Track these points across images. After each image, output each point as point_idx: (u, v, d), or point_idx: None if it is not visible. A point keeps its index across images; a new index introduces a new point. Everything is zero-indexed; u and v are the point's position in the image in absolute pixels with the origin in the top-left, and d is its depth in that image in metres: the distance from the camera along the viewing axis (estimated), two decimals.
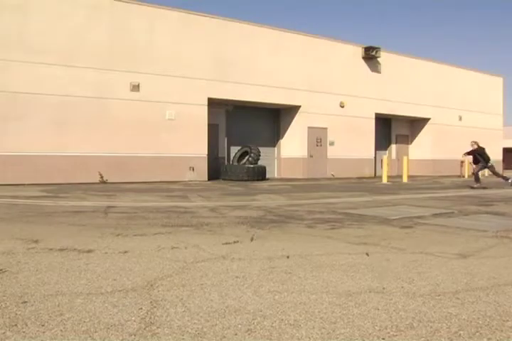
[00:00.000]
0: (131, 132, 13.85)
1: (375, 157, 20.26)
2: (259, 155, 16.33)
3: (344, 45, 18.84)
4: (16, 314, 2.28)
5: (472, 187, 13.09)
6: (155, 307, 2.42)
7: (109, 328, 2.11)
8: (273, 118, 18.82)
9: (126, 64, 13.86)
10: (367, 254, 3.78)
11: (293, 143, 18.07)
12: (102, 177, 13.34)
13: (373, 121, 19.75)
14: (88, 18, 13.33)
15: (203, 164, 15.20)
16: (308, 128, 17.86)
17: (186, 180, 14.76)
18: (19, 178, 12.19)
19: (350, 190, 11.63)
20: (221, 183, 14.33)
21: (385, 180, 15.63)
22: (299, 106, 17.64)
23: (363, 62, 19.26)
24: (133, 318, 2.24)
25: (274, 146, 18.84)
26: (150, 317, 2.26)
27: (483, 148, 13.84)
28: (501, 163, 25.60)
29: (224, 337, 2.03)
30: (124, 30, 13.88)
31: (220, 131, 17.04)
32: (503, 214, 6.68)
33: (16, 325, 2.14)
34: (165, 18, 14.59)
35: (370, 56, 19.00)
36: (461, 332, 2.11)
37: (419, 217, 6.22)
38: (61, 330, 2.08)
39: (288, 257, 3.65)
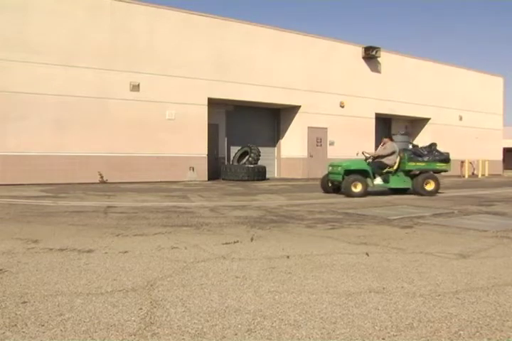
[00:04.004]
0: (131, 132, 13.85)
1: None
2: (259, 155, 16.32)
3: (344, 45, 18.84)
4: (16, 314, 2.28)
5: None
6: (155, 307, 2.42)
7: (109, 328, 2.11)
8: (273, 118, 18.82)
9: (126, 64, 13.85)
10: (367, 254, 3.78)
11: (293, 143, 18.07)
12: (102, 177, 13.34)
13: (373, 121, 19.75)
14: (88, 18, 13.32)
15: (203, 164, 15.20)
16: (308, 128, 17.86)
17: (186, 180, 14.75)
18: (19, 178, 12.19)
19: None
20: (221, 183, 14.33)
21: None
22: (299, 106, 17.63)
23: (363, 62, 19.25)
24: (133, 318, 2.24)
25: (274, 146, 18.84)
26: (150, 317, 2.26)
27: None
28: (501, 163, 25.61)
29: (224, 337, 2.03)
30: (124, 30, 13.88)
31: (220, 131, 17.04)
32: (503, 214, 6.68)
33: (15, 325, 2.14)
34: (165, 18, 14.59)
35: (370, 56, 19.00)
36: (461, 332, 2.11)
37: (419, 217, 6.22)
38: (61, 330, 2.08)
39: (288, 257, 3.65)
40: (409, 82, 20.68)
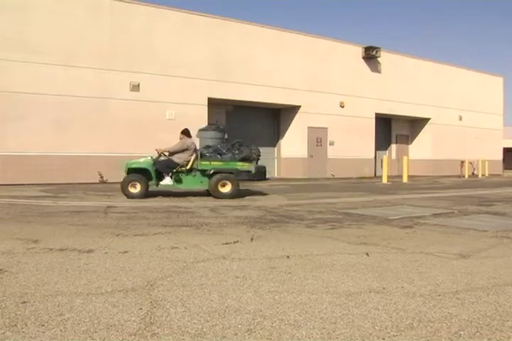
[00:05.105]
0: (131, 132, 13.84)
1: (375, 157, 20.25)
2: (260, 155, 16.28)
3: (344, 45, 18.84)
4: (16, 314, 2.28)
5: None
6: (155, 307, 2.42)
7: (109, 328, 2.11)
8: (273, 118, 18.81)
9: (126, 64, 13.85)
10: (367, 254, 3.78)
11: (293, 143, 18.06)
12: (102, 177, 13.33)
13: (373, 121, 19.75)
14: (88, 18, 13.32)
15: None
16: (308, 128, 17.86)
17: None
18: (19, 178, 12.19)
19: (350, 190, 11.63)
20: None
21: (385, 180, 15.63)
22: (299, 106, 17.63)
23: (363, 62, 19.25)
24: (133, 318, 2.24)
25: (274, 146, 18.83)
26: (150, 317, 2.26)
27: None
28: (501, 163, 25.61)
29: (224, 337, 2.03)
30: (124, 30, 13.88)
31: None
32: (503, 214, 6.68)
33: (15, 325, 2.14)
34: (165, 18, 14.59)
35: (370, 56, 19.00)
36: (462, 332, 2.11)
37: (419, 217, 6.22)
38: (61, 330, 2.08)
39: (288, 257, 3.65)
40: (409, 82, 20.68)
